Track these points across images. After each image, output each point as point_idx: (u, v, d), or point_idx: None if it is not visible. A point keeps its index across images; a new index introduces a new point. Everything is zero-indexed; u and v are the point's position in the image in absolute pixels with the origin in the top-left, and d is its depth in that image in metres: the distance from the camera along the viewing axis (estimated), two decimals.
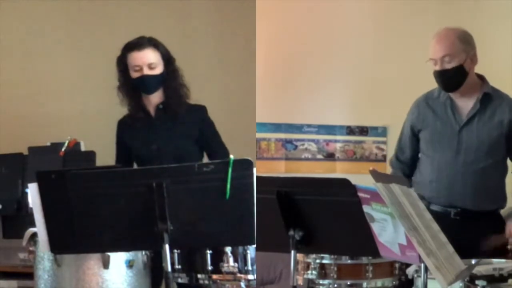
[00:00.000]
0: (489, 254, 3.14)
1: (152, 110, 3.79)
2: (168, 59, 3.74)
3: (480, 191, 3.40)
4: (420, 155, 3.58)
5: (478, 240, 3.30)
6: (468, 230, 3.29)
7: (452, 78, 3.38)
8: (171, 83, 3.74)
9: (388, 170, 3.87)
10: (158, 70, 3.71)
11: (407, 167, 3.63)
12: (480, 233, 3.36)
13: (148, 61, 3.68)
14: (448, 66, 3.36)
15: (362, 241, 2.59)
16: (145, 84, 3.71)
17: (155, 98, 3.77)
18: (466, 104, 3.46)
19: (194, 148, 3.76)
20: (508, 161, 3.54)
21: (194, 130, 3.76)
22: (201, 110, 3.81)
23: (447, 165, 3.43)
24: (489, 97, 3.43)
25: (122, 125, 3.87)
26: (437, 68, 3.38)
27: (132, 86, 3.73)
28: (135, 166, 3.80)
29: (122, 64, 3.75)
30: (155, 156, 3.70)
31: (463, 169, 3.41)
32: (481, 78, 3.49)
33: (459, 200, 3.41)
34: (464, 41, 3.39)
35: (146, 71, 3.68)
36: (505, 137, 3.42)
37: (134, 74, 3.70)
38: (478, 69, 3.54)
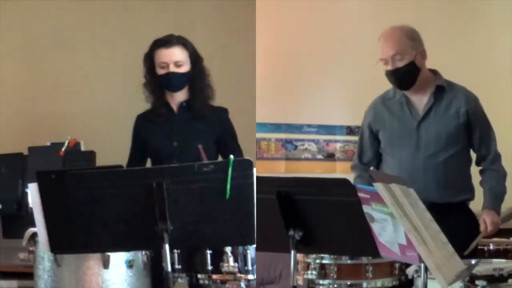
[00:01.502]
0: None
1: (175, 107, 3.80)
2: (195, 59, 3.75)
3: (443, 183, 3.38)
4: (382, 155, 3.58)
5: (451, 234, 3.27)
6: (439, 224, 3.26)
7: (405, 76, 3.38)
8: (197, 83, 3.75)
9: None
10: (185, 68, 3.72)
11: (369, 167, 3.62)
12: (450, 228, 3.32)
13: (175, 58, 3.69)
14: (400, 64, 3.36)
15: (362, 241, 2.58)
16: (170, 82, 3.71)
17: (179, 96, 3.78)
18: (420, 99, 3.46)
19: (213, 147, 3.77)
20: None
21: (215, 130, 3.77)
22: (224, 111, 3.83)
23: (408, 161, 3.42)
24: (443, 90, 3.43)
25: (142, 119, 3.86)
26: (389, 67, 3.38)
27: (157, 83, 3.74)
28: (149, 162, 3.81)
29: (149, 60, 3.75)
30: (175, 153, 3.71)
31: (424, 163, 3.40)
32: (433, 72, 3.49)
33: (423, 194, 3.35)
34: (411, 38, 3.39)
35: (172, 69, 3.69)
36: (464, 127, 3.42)
37: (160, 71, 3.71)
38: (478, 69, 3.54)
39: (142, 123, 3.85)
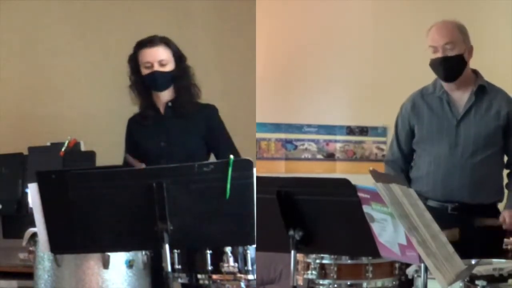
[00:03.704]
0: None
1: (161, 108, 3.80)
2: (179, 57, 3.76)
3: (478, 183, 3.40)
4: (416, 150, 3.58)
5: (477, 236, 3.29)
6: (466, 225, 3.28)
7: (454, 66, 3.39)
8: (182, 82, 3.76)
9: None
10: (169, 67, 3.72)
11: (406, 162, 3.63)
12: (478, 228, 3.35)
13: (159, 57, 3.70)
14: (451, 53, 3.37)
15: (362, 241, 2.58)
16: (155, 81, 3.72)
17: (165, 96, 3.78)
18: (461, 97, 3.47)
19: (202, 146, 3.77)
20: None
21: (202, 129, 3.77)
22: (211, 109, 3.82)
23: (445, 158, 3.43)
24: (484, 90, 3.44)
25: (132, 122, 3.89)
26: (439, 55, 3.38)
27: (143, 84, 3.74)
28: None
29: (134, 61, 3.76)
30: (164, 153, 3.71)
31: (461, 161, 3.41)
32: (475, 72, 3.50)
33: (456, 193, 3.40)
34: (463, 32, 3.41)
35: (157, 68, 3.69)
36: (502, 129, 3.43)
37: (145, 71, 3.72)
38: (479, 68, 3.54)
39: (133, 125, 3.88)
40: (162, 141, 3.75)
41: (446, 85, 3.47)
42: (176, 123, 3.76)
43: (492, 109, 3.42)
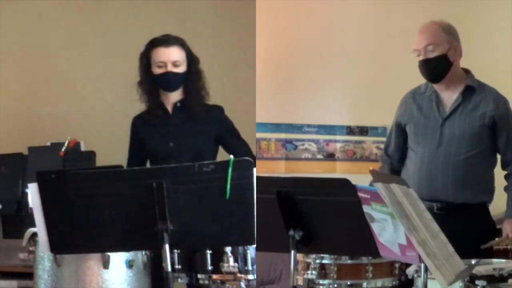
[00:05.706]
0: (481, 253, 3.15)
1: (170, 108, 3.79)
2: (192, 60, 3.75)
3: (461, 183, 3.38)
4: (408, 150, 3.58)
5: (465, 236, 3.27)
6: (454, 225, 3.25)
7: (436, 68, 3.39)
8: (193, 84, 3.75)
9: None
10: (182, 68, 3.71)
11: (394, 162, 3.65)
12: (466, 228, 3.33)
13: (173, 58, 3.69)
14: (432, 55, 3.37)
15: (362, 241, 2.59)
16: (167, 81, 3.71)
17: (174, 96, 3.78)
18: (450, 97, 3.46)
19: (210, 146, 3.77)
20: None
21: (211, 129, 3.77)
22: (218, 109, 3.82)
23: (429, 158, 3.43)
24: (472, 90, 3.43)
25: (138, 121, 3.87)
26: (421, 57, 3.38)
27: (153, 82, 3.73)
28: (148, 163, 3.81)
29: (145, 59, 3.74)
30: (172, 153, 3.71)
31: (444, 160, 3.40)
32: (466, 71, 3.49)
33: (440, 192, 3.39)
34: (447, 32, 3.40)
35: (170, 68, 3.68)
36: (489, 129, 3.41)
37: (157, 70, 3.70)
38: (478, 69, 3.54)
39: (139, 124, 3.86)
40: (170, 141, 3.75)
41: (435, 85, 3.47)
42: (184, 123, 3.76)
43: (479, 109, 3.41)
